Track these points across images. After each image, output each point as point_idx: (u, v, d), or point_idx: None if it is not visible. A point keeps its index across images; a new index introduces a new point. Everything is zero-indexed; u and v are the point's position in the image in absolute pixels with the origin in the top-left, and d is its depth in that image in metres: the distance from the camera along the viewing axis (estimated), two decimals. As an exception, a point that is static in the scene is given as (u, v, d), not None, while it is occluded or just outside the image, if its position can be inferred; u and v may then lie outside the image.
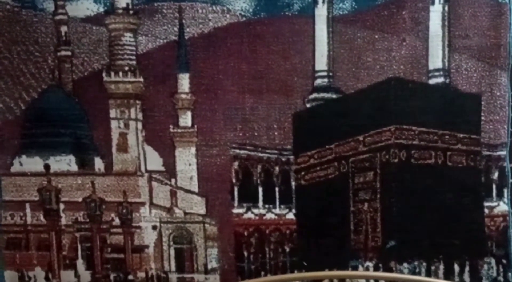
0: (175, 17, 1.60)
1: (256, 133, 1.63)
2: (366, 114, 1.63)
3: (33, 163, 1.64)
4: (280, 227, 1.69)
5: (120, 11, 1.60)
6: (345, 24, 1.61)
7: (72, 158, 1.65)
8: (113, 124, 1.64)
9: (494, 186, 1.68)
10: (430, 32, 1.61)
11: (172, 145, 1.65)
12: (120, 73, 1.62)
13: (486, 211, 1.68)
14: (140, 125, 1.64)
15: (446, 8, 1.60)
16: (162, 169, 1.66)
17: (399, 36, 1.61)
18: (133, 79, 1.62)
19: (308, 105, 1.64)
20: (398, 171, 1.65)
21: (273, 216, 1.69)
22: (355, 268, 1.67)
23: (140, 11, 1.60)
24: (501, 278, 1.68)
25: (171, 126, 1.64)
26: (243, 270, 1.68)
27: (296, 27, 1.59)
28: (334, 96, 1.64)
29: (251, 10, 1.59)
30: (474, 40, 1.61)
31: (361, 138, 1.65)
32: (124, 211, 1.66)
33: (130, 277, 1.68)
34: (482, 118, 1.64)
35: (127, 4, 1.60)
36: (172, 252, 1.69)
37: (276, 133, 1.63)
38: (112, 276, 1.68)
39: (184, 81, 1.62)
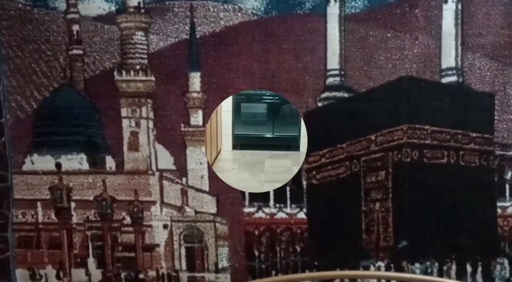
0: (186, 15, 1.59)
1: (267, 132, 1.63)
2: (378, 113, 1.62)
3: (44, 162, 1.64)
4: (291, 226, 1.69)
5: (132, 9, 1.60)
6: (357, 22, 1.60)
7: (83, 157, 1.65)
8: (125, 123, 1.65)
9: (507, 186, 1.67)
10: (443, 30, 1.60)
11: (183, 143, 1.65)
12: (132, 72, 1.62)
13: (499, 211, 1.66)
14: (151, 124, 1.64)
15: (459, 6, 1.59)
16: (173, 167, 1.66)
17: (412, 34, 1.60)
18: (144, 78, 1.62)
19: (319, 104, 1.63)
20: (410, 170, 1.64)
21: (284, 215, 1.68)
22: (366, 268, 1.66)
23: (152, 9, 1.60)
24: (514, 279, 1.67)
25: (182, 125, 1.64)
26: (253, 269, 1.68)
27: (308, 26, 1.59)
28: (346, 95, 1.63)
29: (262, 9, 1.58)
30: (487, 38, 1.59)
31: (373, 137, 1.64)
32: (135, 209, 1.66)
33: (141, 275, 1.68)
34: (496, 117, 1.63)
35: (139, 3, 1.59)
36: (183, 251, 1.69)
37: (287, 132, 1.63)
38: (123, 274, 1.68)
39: (195, 80, 1.62)
